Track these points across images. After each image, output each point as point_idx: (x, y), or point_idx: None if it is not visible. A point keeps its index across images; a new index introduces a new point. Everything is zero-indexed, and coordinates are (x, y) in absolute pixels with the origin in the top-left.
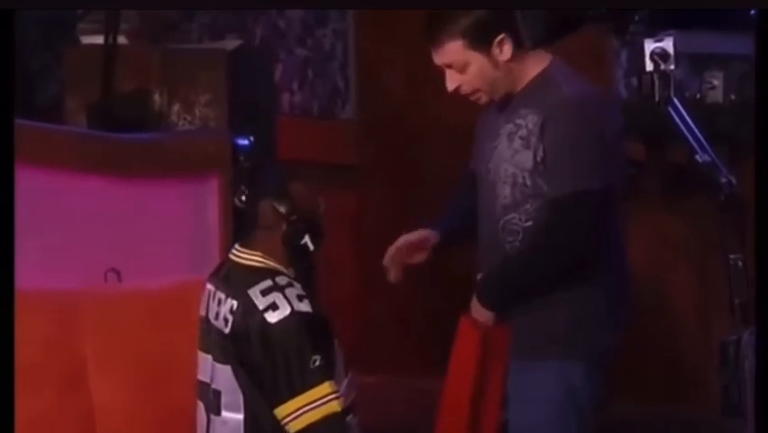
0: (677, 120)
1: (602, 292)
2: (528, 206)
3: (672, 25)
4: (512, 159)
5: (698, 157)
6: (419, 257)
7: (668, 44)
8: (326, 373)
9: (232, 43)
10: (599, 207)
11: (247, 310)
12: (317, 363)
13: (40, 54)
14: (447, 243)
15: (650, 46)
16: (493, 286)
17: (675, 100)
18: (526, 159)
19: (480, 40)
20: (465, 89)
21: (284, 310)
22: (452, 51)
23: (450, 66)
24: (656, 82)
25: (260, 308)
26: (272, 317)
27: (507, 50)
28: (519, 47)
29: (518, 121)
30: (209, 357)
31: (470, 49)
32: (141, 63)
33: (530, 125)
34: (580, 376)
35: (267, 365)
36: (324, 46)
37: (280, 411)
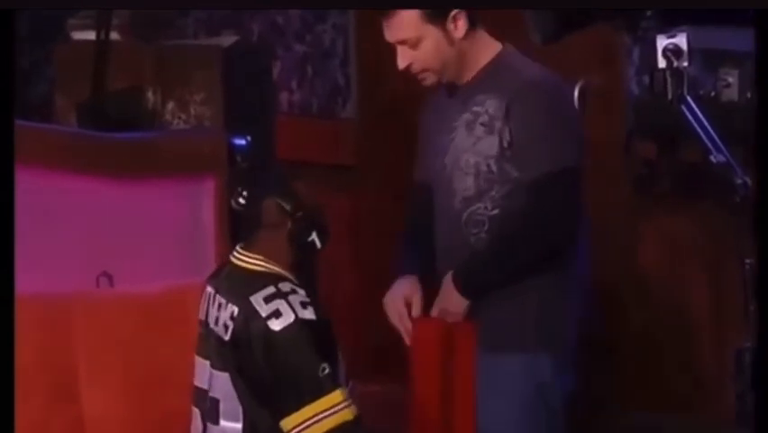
0: (690, 119)
1: (570, 278)
2: (494, 192)
3: (685, 21)
4: (473, 147)
5: (712, 157)
6: (416, 308)
7: (681, 40)
8: (336, 381)
9: (228, 40)
10: (577, 186)
11: (249, 317)
12: (326, 370)
13: (29, 51)
14: (427, 274)
15: (662, 42)
16: (472, 273)
17: (688, 98)
18: (491, 145)
19: (436, 12)
20: (416, 67)
21: (288, 318)
22: (407, 22)
23: (403, 42)
24: (669, 79)
25: (263, 315)
26: (276, 325)
27: (461, 26)
28: (472, 26)
29: (476, 108)
30: (207, 363)
31: (426, 21)
32: (134, 60)
33: (491, 110)
34: (551, 372)
35: (269, 374)
36: (323, 42)
37: (287, 423)
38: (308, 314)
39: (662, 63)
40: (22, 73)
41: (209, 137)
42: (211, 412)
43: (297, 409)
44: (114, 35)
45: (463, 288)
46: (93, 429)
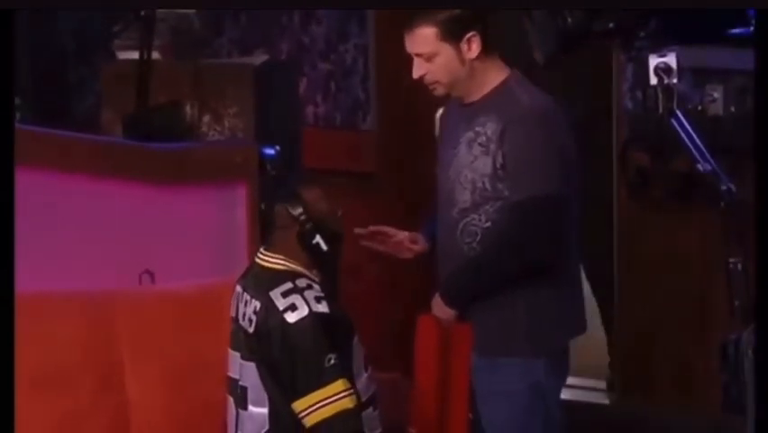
0: (680, 131)
1: (559, 292)
2: (488, 207)
3: (675, 41)
4: (471, 165)
5: (699, 166)
6: (405, 253)
7: (671, 59)
8: (340, 371)
9: (259, 59)
10: (560, 211)
11: (269, 311)
12: (332, 361)
13: (78, 68)
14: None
15: (654, 61)
16: (456, 285)
17: (678, 112)
18: (485, 165)
19: (453, 32)
20: (428, 79)
21: (302, 311)
22: (424, 38)
23: (420, 55)
24: (660, 95)
25: (281, 308)
26: (291, 318)
27: (475, 49)
28: (486, 50)
29: (477, 129)
30: (238, 355)
31: (442, 39)
32: (173, 77)
33: (489, 133)
34: (544, 372)
35: (285, 363)
36: (346, 61)
37: (297, 406)
38: (322, 307)
39: (653, 80)
40: (71, 89)
41: (241, 147)
42: (241, 399)
43: (305, 394)
44: (156, 54)
45: (447, 298)
46: (137, 415)
